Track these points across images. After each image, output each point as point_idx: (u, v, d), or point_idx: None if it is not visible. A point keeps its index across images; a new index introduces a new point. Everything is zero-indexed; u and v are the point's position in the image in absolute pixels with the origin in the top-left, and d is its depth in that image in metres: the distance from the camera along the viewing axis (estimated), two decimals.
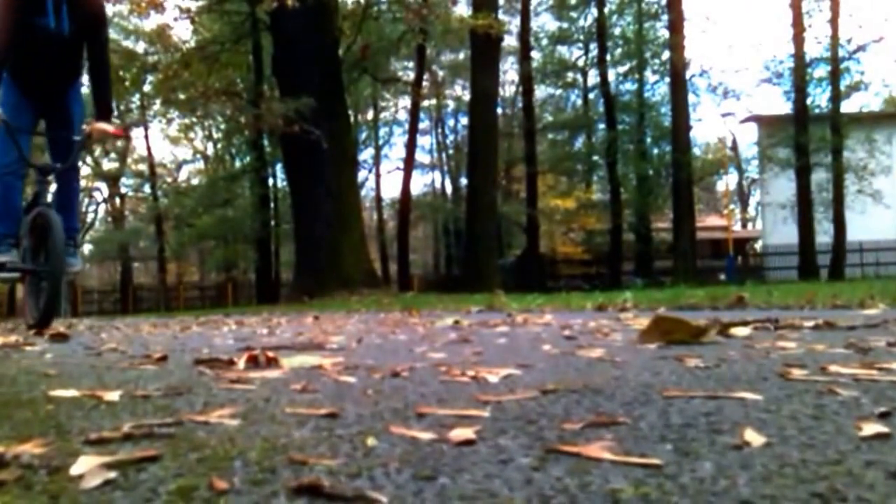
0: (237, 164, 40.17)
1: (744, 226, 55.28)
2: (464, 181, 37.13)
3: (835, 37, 28.31)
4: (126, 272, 44.87)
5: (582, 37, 37.57)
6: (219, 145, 43.04)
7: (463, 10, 26.16)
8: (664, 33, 32.11)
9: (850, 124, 29.43)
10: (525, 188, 37.93)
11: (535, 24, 37.44)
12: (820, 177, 28.72)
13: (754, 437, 0.94)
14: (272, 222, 34.82)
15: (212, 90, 23.15)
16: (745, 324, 2.93)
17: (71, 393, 1.55)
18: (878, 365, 1.64)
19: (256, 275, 36.60)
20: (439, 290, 23.79)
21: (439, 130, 48.70)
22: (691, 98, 31.92)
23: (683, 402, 1.24)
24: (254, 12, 23.55)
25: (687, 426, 1.04)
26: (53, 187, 5.87)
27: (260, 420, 1.18)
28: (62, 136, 5.84)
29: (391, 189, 53.21)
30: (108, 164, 45.12)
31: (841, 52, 28.69)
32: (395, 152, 54.66)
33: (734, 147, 48.97)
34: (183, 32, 25.97)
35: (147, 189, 43.70)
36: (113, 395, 1.49)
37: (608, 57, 34.72)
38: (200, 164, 46.89)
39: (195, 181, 44.48)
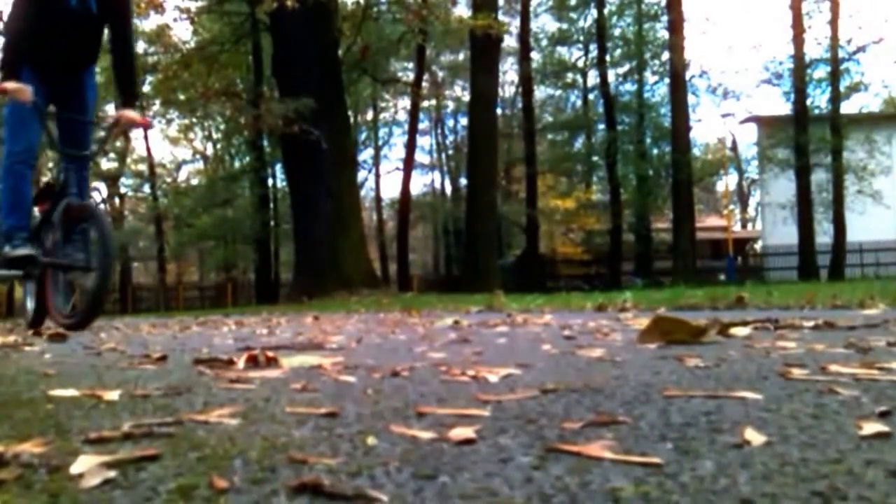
0: (237, 164, 40.19)
1: (743, 226, 55.32)
2: (463, 181, 37.16)
3: (834, 38, 28.32)
4: (125, 272, 44.87)
5: (582, 37, 37.56)
6: (218, 145, 43.06)
7: (463, 10, 26.25)
8: (664, 34, 32.12)
9: (849, 125, 29.45)
10: (525, 188, 37.95)
11: (534, 24, 37.49)
12: (820, 177, 28.73)
13: (754, 436, 0.94)
14: (272, 222, 34.84)
15: (211, 90, 23.18)
16: (745, 324, 2.93)
17: (70, 392, 1.55)
18: (879, 364, 1.64)
19: (256, 275, 36.62)
20: (439, 291, 23.80)
21: (439, 131, 48.72)
22: (691, 99, 31.95)
23: (683, 402, 1.24)
24: (253, 13, 23.57)
25: (687, 425, 1.04)
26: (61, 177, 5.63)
27: (260, 419, 1.18)
28: (77, 121, 5.56)
29: (391, 189, 53.16)
30: (108, 164, 45.08)
31: (841, 53, 28.70)
32: (395, 153, 54.80)
33: (734, 147, 49.02)
34: (183, 33, 26.08)
35: (146, 189, 43.70)
36: (112, 395, 1.49)
37: (608, 58, 34.72)
38: (200, 165, 46.92)
39: (195, 181, 44.50)
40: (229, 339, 3.56)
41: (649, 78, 35.60)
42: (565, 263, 40.89)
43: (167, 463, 0.89)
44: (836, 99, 28.87)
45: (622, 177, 34.59)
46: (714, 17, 75.69)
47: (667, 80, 31.69)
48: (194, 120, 37.84)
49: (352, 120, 30.96)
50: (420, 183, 55.28)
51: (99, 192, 45.90)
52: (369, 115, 44.70)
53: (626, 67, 35.90)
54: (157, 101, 27.37)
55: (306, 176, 19.81)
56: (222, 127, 37.45)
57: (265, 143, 30.82)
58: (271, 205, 34.87)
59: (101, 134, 6.66)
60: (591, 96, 38.88)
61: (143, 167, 43.71)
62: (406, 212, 36.65)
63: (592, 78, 37.86)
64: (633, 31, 34.48)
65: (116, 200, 47.67)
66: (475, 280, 22.07)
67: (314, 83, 19.59)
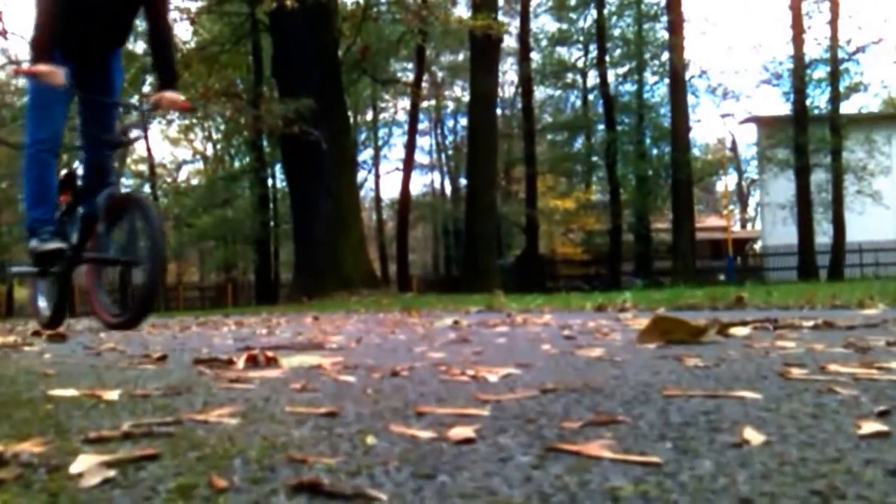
0: (237, 164, 40.19)
1: (743, 226, 55.30)
2: (463, 182, 37.16)
3: (834, 38, 28.31)
4: (125, 274, 44.78)
5: (581, 38, 37.56)
6: (218, 146, 43.06)
7: (462, 11, 26.24)
8: (664, 34, 32.14)
9: (849, 125, 29.44)
10: (524, 189, 37.95)
11: (534, 25, 37.49)
12: (819, 177, 28.73)
13: (754, 436, 0.94)
14: (271, 223, 34.84)
15: (211, 91, 23.14)
16: (744, 324, 2.93)
17: (70, 392, 1.55)
18: (878, 364, 1.65)
19: (256, 275, 36.62)
20: (439, 291, 23.80)
21: (439, 131, 48.73)
22: (691, 99, 31.97)
23: (683, 401, 1.24)
24: (253, 13, 23.57)
25: (686, 425, 1.04)
26: (81, 167, 5.35)
27: (259, 419, 1.18)
28: (105, 105, 5.23)
29: (390, 190, 53.28)
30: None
31: (840, 54, 28.70)
32: (395, 153, 54.80)
33: (733, 148, 49.02)
34: (183, 33, 25.98)
35: (147, 189, 43.67)
36: (112, 395, 1.49)
37: (608, 58, 34.72)
38: (200, 165, 46.90)
39: (195, 181, 44.48)
40: (229, 339, 3.56)
41: (649, 78, 35.63)
42: (565, 264, 40.90)
43: (167, 462, 0.89)
44: (835, 99, 28.86)
45: (622, 177, 34.59)
46: (714, 17, 75.59)
47: (666, 81, 31.71)
48: (194, 120, 37.81)
49: (351, 120, 30.97)
50: (420, 183, 55.27)
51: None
52: (369, 116, 44.71)
53: (626, 68, 35.91)
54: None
55: (306, 176, 19.81)
56: (222, 127, 37.44)
57: (265, 143, 30.83)
58: (271, 205, 34.87)
59: (126, 119, 6.09)
60: (590, 96, 38.88)
61: (143, 167, 43.72)
62: (406, 212, 36.66)
63: (592, 78, 37.89)
64: (633, 32, 34.50)
65: None
66: (475, 280, 22.08)
67: (314, 83, 19.58)
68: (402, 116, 43.96)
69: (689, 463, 0.83)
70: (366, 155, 45.44)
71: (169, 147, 55.63)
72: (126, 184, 45.55)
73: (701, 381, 1.49)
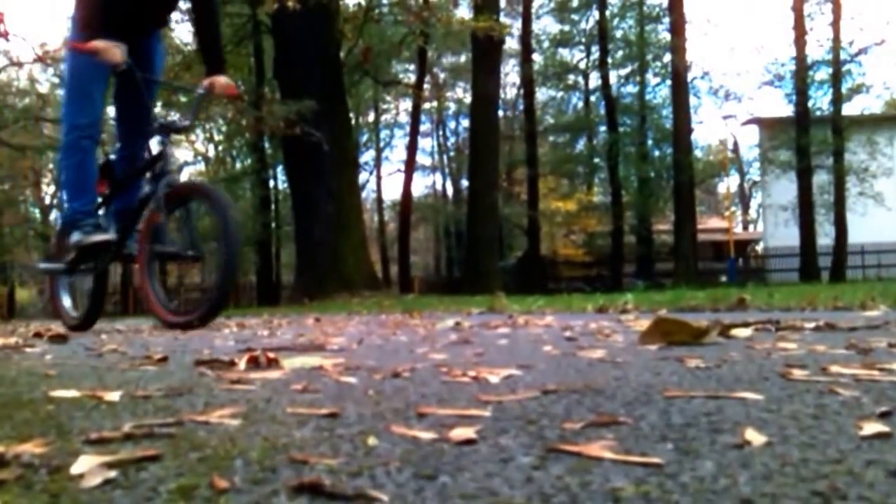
0: (238, 165, 40.16)
1: (745, 228, 55.29)
2: (465, 183, 37.19)
3: (836, 39, 28.31)
4: (126, 274, 44.85)
5: (583, 39, 37.58)
6: (220, 147, 43.04)
7: (464, 12, 26.23)
8: (666, 36, 32.13)
9: (851, 127, 29.44)
10: (526, 190, 37.94)
11: (536, 26, 37.51)
12: (821, 179, 28.72)
13: (755, 437, 0.94)
14: (273, 224, 34.84)
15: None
16: (746, 325, 2.93)
17: (71, 393, 1.55)
18: (879, 365, 1.64)
19: (257, 277, 36.59)
20: (440, 292, 23.82)
21: (440, 132, 48.78)
22: (693, 100, 31.98)
23: (684, 402, 1.24)
24: (255, 15, 23.59)
25: (688, 426, 1.04)
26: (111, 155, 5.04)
27: (261, 420, 1.18)
28: (149, 88, 4.95)
29: (392, 191, 53.34)
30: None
31: (842, 55, 28.69)
32: (396, 154, 54.77)
33: (735, 149, 49.04)
34: (184, 34, 26.00)
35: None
36: (113, 396, 1.49)
37: (609, 59, 34.74)
38: (201, 166, 46.91)
39: None
40: (230, 340, 3.56)
41: (651, 80, 35.66)
42: (566, 265, 40.89)
43: (168, 463, 0.89)
44: (837, 101, 28.86)
45: (623, 178, 34.62)
46: (716, 18, 75.86)
47: (668, 82, 31.73)
48: (196, 121, 37.84)
49: (353, 122, 30.99)
50: (421, 185, 55.41)
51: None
52: (371, 117, 44.74)
53: (628, 69, 35.96)
54: (159, 104, 27.35)
55: (308, 177, 19.81)
56: (224, 129, 37.43)
57: (266, 144, 30.83)
58: (272, 206, 34.87)
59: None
60: (592, 98, 38.92)
61: None
62: (407, 213, 36.65)
63: (594, 80, 37.92)
64: (635, 33, 34.52)
65: None
66: (476, 282, 22.08)
67: (316, 85, 19.59)
68: (404, 118, 44.02)
69: (690, 464, 0.83)
70: (367, 156, 45.53)
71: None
72: None
73: (702, 382, 1.49)
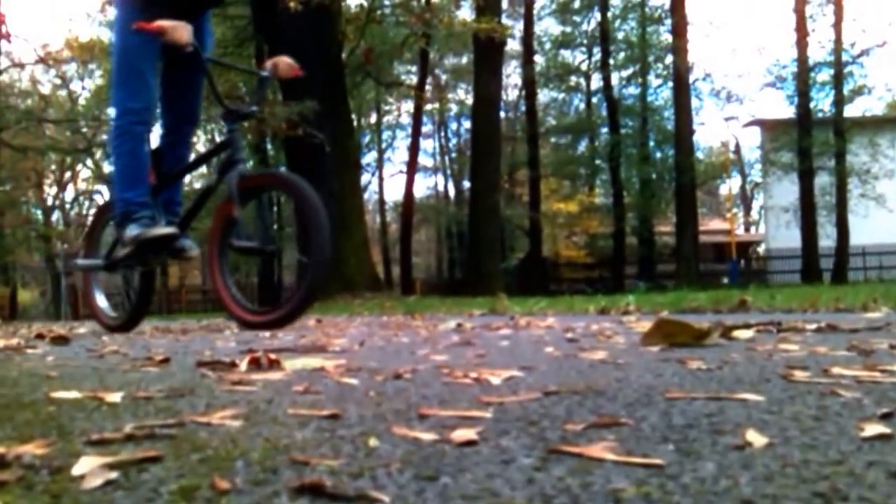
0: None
1: (747, 229, 55.29)
2: (467, 184, 37.19)
3: (838, 41, 28.34)
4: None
5: (585, 41, 37.63)
6: None
7: (466, 13, 26.23)
8: (667, 37, 32.17)
9: (853, 128, 29.47)
10: (528, 192, 38.00)
11: (538, 28, 37.55)
12: (823, 180, 28.74)
13: (756, 438, 0.94)
14: (275, 226, 34.85)
15: None
16: (747, 327, 2.92)
17: (73, 394, 1.55)
18: (881, 367, 1.64)
19: (259, 278, 36.59)
20: (442, 294, 23.83)
21: (442, 134, 48.81)
22: (694, 102, 32.04)
23: (685, 404, 1.24)
24: (257, 16, 23.58)
25: (689, 427, 1.04)
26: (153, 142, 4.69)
27: (262, 421, 1.18)
28: (200, 72, 4.61)
29: (394, 192, 53.27)
30: (109, 167, 45.03)
31: (844, 57, 28.73)
32: (398, 156, 54.75)
33: (737, 151, 49.08)
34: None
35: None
36: (115, 397, 1.49)
37: (611, 61, 34.79)
38: (203, 168, 46.88)
39: (198, 184, 44.47)
40: (232, 341, 3.56)
41: (653, 81, 35.68)
42: (568, 267, 40.95)
43: (169, 464, 0.89)
44: (839, 102, 28.88)
45: (625, 180, 34.66)
46: (717, 20, 75.80)
47: (670, 84, 31.77)
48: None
49: (355, 123, 31.00)
50: (423, 186, 55.32)
51: (101, 195, 46.06)
52: (373, 119, 44.74)
53: (630, 71, 36.01)
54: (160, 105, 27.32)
55: (309, 179, 19.61)
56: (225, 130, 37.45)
57: (269, 146, 30.84)
58: (275, 208, 34.88)
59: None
60: (594, 99, 38.97)
61: None
62: (409, 215, 36.69)
63: (596, 81, 37.96)
64: (637, 35, 34.57)
65: None
66: (478, 283, 22.08)
67: (317, 86, 19.58)
68: (406, 119, 44.10)
69: (691, 465, 0.83)
70: (369, 158, 45.51)
71: None
72: None
73: (704, 383, 1.49)
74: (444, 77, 44.60)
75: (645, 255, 34.45)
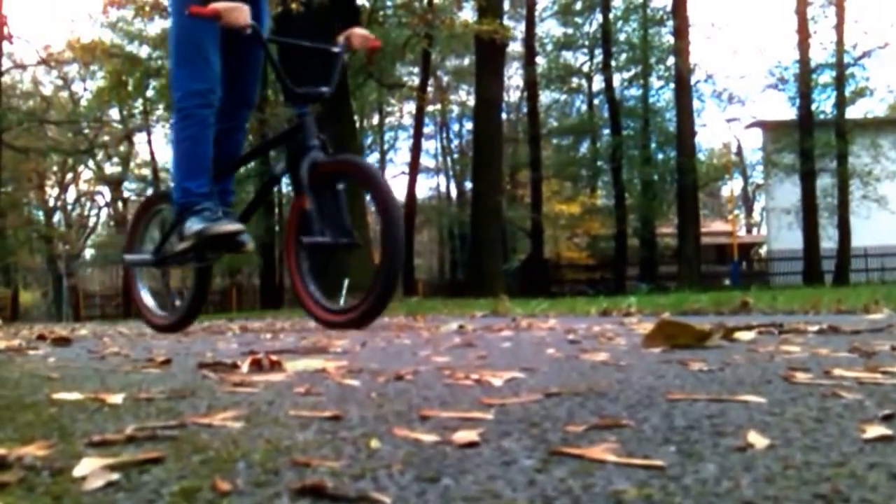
0: (241, 168, 40.17)
1: (748, 231, 55.30)
2: (468, 186, 37.22)
3: (840, 42, 28.33)
4: (128, 275, 44.84)
5: (587, 42, 37.68)
6: None
7: (468, 15, 26.24)
8: (669, 39, 32.21)
9: (854, 130, 29.46)
10: (530, 193, 38.01)
11: (540, 29, 37.57)
12: (825, 182, 28.73)
13: (758, 440, 0.94)
14: (276, 227, 34.85)
15: None
16: (749, 328, 2.92)
17: (74, 396, 1.55)
18: (883, 368, 1.64)
19: (260, 280, 36.63)
20: (444, 295, 23.83)
21: (444, 135, 48.88)
22: (696, 103, 32.05)
23: (687, 405, 1.24)
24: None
25: (690, 428, 1.04)
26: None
27: (263, 422, 1.18)
28: (258, 54, 4.42)
29: (396, 193, 53.18)
30: (111, 169, 45.14)
31: (846, 58, 28.72)
32: (400, 157, 54.71)
33: (739, 152, 49.04)
34: None
35: (150, 193, 43.74)
36: (116, 398, 1.49)
37: (613, 62, 34.80)
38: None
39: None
40: (233, 343, 3.56)
41: (654, 83, 35.69)
42: (570, 268, 40.97)
43: (170, 465, 0.89)
44: (841, 104, 28.88)
45: (627, 181, 34.67)
46: (719, 21, 75.84)
47: (672, 85, 31.76)
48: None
49: (357, 124, 30.99)
50: (425, 187, 55.30)
51: (102, 196, 46.09)
52: (375, 120, 44.79)
53: (632, 72, 36.02)
54: (161, 106, 27.43)
55: None
56: None
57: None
58: (276, 210, 34.88)
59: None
60: (596, 101, 39.02)
61: (146, 171, 43.77)
62: (411, 216, 36.69)
63: (598, 82, 38.02)
64: (639, 36, 34.56)
65: (120, 204, 47.75)
66: (480, 284, 22.08)
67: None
68: (408, 120, 44.13)
69: (693, 466, 0.83)
70: (372, 158, 45.51)
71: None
72: (129, 188, 45.73)
73: (705, 385, 1.49)
74: (445, 78, 44.63)
75: (646, 256, 34.44)
